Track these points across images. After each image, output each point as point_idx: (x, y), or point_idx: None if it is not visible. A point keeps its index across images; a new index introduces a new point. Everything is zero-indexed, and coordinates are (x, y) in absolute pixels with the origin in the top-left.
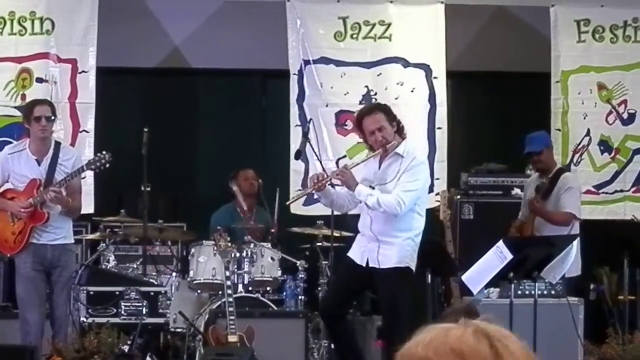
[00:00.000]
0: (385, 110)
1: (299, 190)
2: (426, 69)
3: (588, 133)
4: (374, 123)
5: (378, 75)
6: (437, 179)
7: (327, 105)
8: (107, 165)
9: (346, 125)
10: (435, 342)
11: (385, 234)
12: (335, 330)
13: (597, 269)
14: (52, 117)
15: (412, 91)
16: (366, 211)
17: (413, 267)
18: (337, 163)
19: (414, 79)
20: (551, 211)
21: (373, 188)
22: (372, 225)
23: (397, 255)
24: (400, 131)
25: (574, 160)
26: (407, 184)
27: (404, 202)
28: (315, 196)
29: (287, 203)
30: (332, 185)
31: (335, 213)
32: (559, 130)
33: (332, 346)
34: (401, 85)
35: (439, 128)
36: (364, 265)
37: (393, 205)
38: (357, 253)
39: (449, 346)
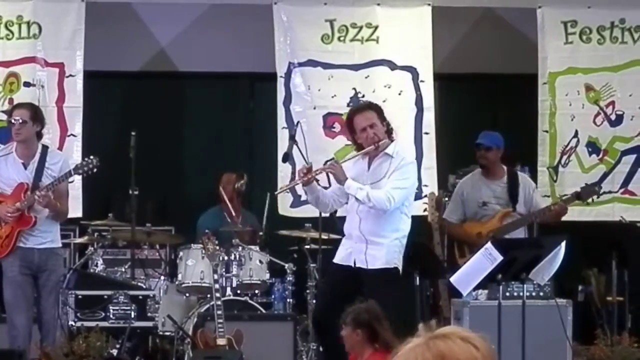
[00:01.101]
0: (377, 109)
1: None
2: (413, 72)
3: (576, 134)
4: (365, 120)
5: (365, 77)
6: (426, 185)
7: (314, 108)
8: (95, 170)
9: (334, 127)
10: None
11: (373, 233)
12: (326, 340)
13: (585, 270)
14: (27, 120)
15: (399, 94)
16: (354, 211)
17: (400, 268)
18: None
19: (401, 81)
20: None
21: None
22: (360, 225)
23: (385, 256)
24: (389, 132)
25: (562, 161)
26: (398, 181)
27: (393, 198)
28: (300, 192)
29: (275, 193)
30: (318, 182)
31: (323, 215)
32: (547, 131)
33: (320, 349)
34: (388, 87)
35: (427, 133)
36: (351, 265)
37: (383, 200)
38: (343, 255)
39: None
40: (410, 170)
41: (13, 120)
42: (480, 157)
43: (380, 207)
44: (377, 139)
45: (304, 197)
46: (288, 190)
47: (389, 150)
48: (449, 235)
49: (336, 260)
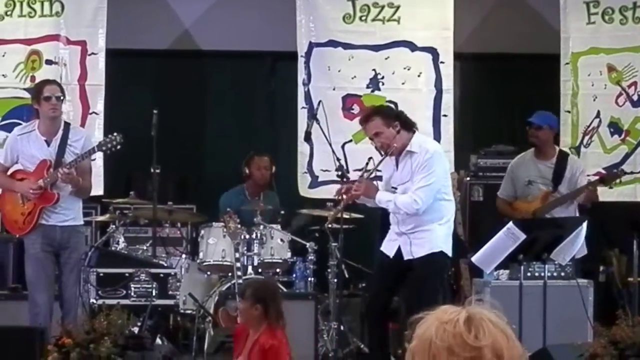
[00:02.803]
0: (382, 113)
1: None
2: (433, 53)
3: (598, 115)
4: (370, 130)
5: (386, 59)
6: None
7: (334, 89)
8: (119, 147)
9: (352, 109)
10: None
11: (415, 224)
12: (376, 332)
13: (606, 251)
14: (62, 97)
15: (418, 76)
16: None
17: (448, 252)
18: (342, 147)
19: (420, 63)
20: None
21: (395, 189)
22: (399, 224)
23: (429, 242)
24: (407, 126)
25: (584, 142)
26: (421, 180)
27: (420, 199)
28: (318, 173)
29: (327, 225)
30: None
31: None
32: (569, 112)
33: (342, 328)
34: (408, 69)
35: (445, 116)
36: (398, 257)
37: (410, 204)
38: (390, 246)
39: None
40: (433, 163)
41: (46, 97)
42: (531, 135)
43: (410, 211)
44: (385, 146)
45: (321, 178)
46: (307, 171)
47: (412, 147)
48: (498, 212)
49: (383, 248)
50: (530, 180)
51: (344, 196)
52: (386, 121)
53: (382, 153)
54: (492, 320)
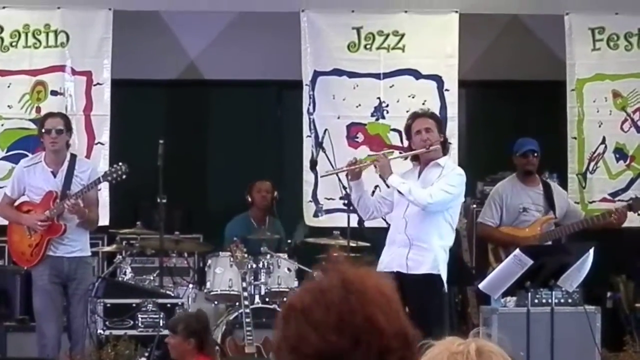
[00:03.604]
0: (438, 120)
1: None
2: (438, 80)
3: (603, 141)
4: (424, 123)
5: (390, 87)
6: None
7: (338, 117)
8: (124, 177)
9: (357, 137)
10: None
11: (419, 237)
12: None
13: (613, 277)
14: (63, 130)
15: (423, 104)
16: (401, 216)
17: (444, 278)
18: (347, 175)
19: (425, 91)
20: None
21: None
22: (407, 228)
23: (432, 261)
24: (444, 145)
25: (590, 168)
26: (444, 184)
27: (435, 196)
28: (322, 202)
29: (321, 176)
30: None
31: (347, 224)
32: (575, 138)
33: None
34: (412, 97)
35: (450, 143)
36: (393, 271)
37: (424, 196)
38: (386, 262)
39: None
40: (458, 181)
41: (46, 130)
42: (528, 163)
43: (420, 201)
44: (429, 143)
45: (326, 207)
46: (312, 200)
47: (440, 161)
48: (484, 239)
49: (379, 268)
50: (525, 208)
51: (353, 163)
52: (439, 127)
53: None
54: (499, 353)
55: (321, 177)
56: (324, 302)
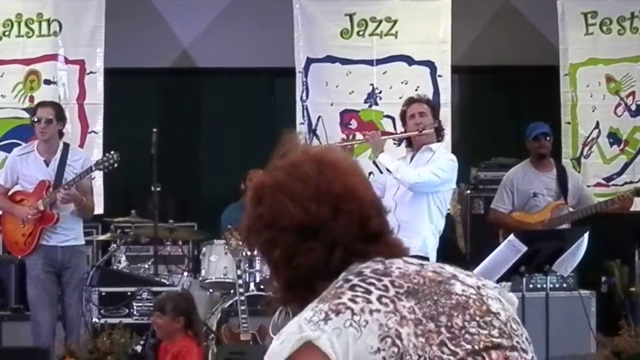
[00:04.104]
0: (433, 106)
1: None
2: (431, 66)
3: (597, 125)
4: (419, 108)
5: (383, 73)
6: None
7: (331, 104)
8: (115, 165)
9: (350, 124)
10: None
11: (408, 221)
12: None
13: (608, 261)
14: (52, 119)
15: (416, 90)
16: (390, 198)
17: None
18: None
19: (418, 77)
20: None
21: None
22: (396, 210)
23: (420, 244)
24: (439, 133)
25: (584, 153)
26: (434, 167)
27: (423, 177)
28: None
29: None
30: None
31: None
32: (569, 123)
33: None
34: (405, 84)
35: (443, 129)
36: None
37: (411, 175)
38: None
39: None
40: (448, 166)
41: (36, 119)
42: (541, 146)
43: (407, 180)
44: (422, 126)
45: None
46: None
47: (433, 146)
48: (495, 225)
49: None
50: (536, 193)
51: (347, 138)
52: (433, 113)
53: (411, 145)
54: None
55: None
56: (299, 175)
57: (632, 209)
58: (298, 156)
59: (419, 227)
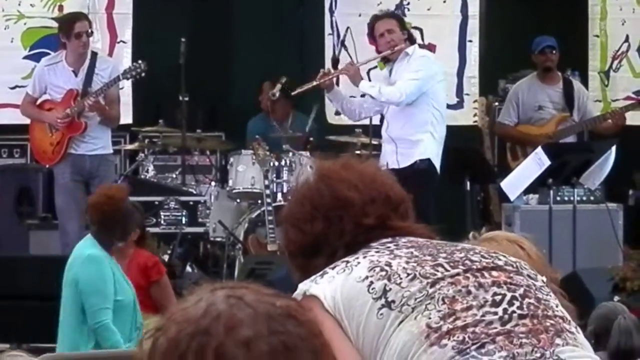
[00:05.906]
0: (398, 18)
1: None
2: None
3: (627, 39)
4: (384, 25)
5: None
6: (467, 94)
7: (359, 15)
8: (143, 74)
9: None
10: None
11: (401, 136)
12: None
13: (636, 174)
14: (91, 32)
15: (444, 1)
16: (385, 115)
17: (437, 165)
18: (368, 73)
19: None
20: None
21: None
22: (388, 128)
23: (418, 150)
24: (411, 39)
25: (613, 66)
26: (410, 74)
27: (405, 90)
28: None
29: (293, 94)
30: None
31: (369, 122)
32: (597, 36)
33: None
34: None
35: (470, 41)
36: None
37: (394, 92)
38: (381, 160)
39: None
40: (421, 63)
41: (77, 33)
42: (547, 60)
43: (392, 99)
44: (393, 44)
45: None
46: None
47: (408, 50)
48: (502, 138)
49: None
50: (541, 106)
51: (324, 73)
52: (400, 25)
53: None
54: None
55: (293, 94)
56: (298, 199)
57: None
58: (309, 179)
59: (417, 136)
